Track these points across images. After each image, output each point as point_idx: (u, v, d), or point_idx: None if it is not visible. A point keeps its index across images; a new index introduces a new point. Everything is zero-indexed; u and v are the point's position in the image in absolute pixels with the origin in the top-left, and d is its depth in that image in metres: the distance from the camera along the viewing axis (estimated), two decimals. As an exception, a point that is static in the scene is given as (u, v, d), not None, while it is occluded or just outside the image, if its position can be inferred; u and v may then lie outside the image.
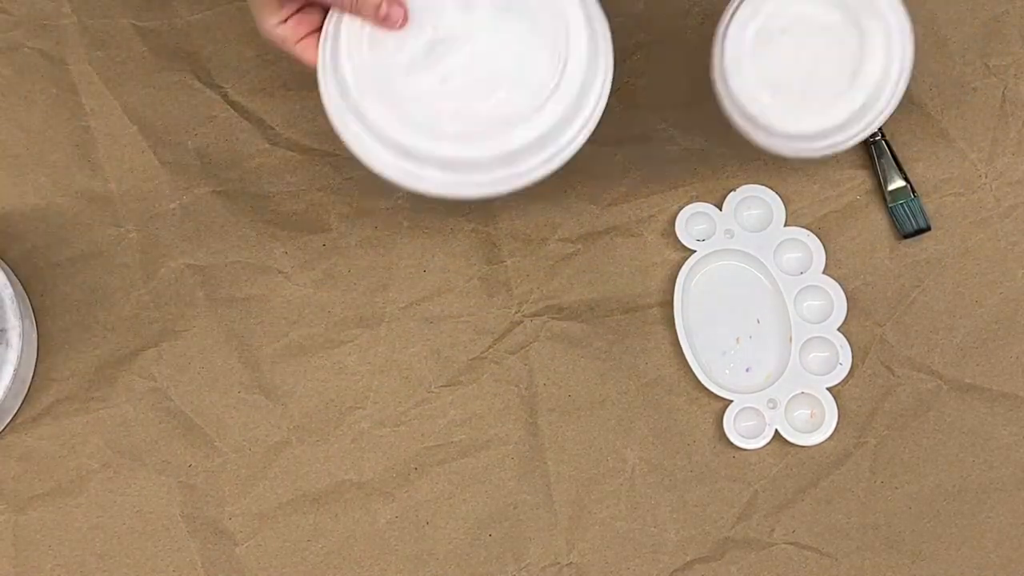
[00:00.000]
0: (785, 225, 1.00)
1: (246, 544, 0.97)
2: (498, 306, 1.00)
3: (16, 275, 0.98)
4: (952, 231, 1.00)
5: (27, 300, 0.98)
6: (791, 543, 0.98)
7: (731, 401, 0.98)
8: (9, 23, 1.01)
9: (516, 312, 1.00)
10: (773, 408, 0.98)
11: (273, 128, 1.01)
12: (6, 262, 0.98)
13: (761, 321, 0.99)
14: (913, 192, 1.00)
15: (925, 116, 1.01)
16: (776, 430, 0.97)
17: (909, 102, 1.01)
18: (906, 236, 1.00)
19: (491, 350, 0.99)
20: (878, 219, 1.01)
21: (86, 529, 0.97)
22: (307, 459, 0.98)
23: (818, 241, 0.99)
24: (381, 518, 0.98)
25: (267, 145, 1.01)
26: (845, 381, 0.98)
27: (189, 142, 1.01)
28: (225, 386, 0.99)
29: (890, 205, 1.00)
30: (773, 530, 0.98)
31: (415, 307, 1.00)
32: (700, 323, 0.99)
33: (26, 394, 0.98)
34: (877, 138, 1.00)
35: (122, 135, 1.01)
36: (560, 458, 0.99)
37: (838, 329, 0.99)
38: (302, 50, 0.83)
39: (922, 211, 1.00)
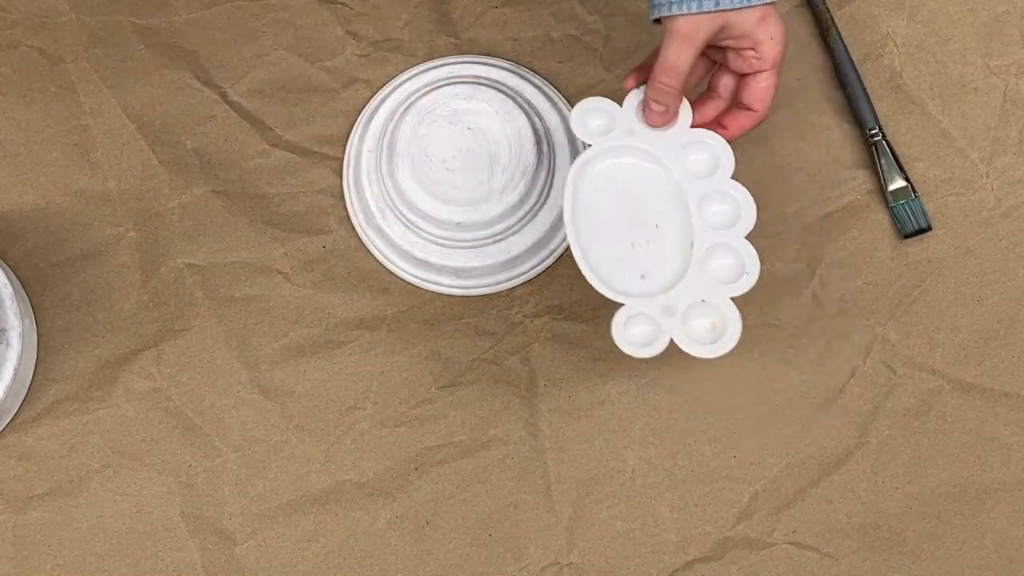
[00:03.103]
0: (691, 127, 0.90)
1: (246, 544, 0.97)
2: (498, 307, 0.99)
3: (16, 275, 0.98)
4: (953, 231, 1.00)
5: (27, 300, 0.98)
6: (791, 543, 0.98)
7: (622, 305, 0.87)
8: (7, 21, 1.01)
9: (516, 313, 1.00)
10: (670, 316, 0.87)
11: (273, 130, 1.01)
12: (6, 262, 0.98)
13: (660, 226, 0.90)
14: (914, 192, 1.00)
15: (926, 116, 1.01)
16: (672, 339, 0.87)
17: (909, 102, 1.01)
18: (907, 236, 1.00)
19: (491, 351, 0.99)
20: (879, 219, 1.00)
21: (86, 529, 0.97)
22: (307, 459, 0.98)
23: (726, 144, 0.90)
24: (381, 518, 0.98)
25: (266, 146, 1.01)
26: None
27: (188, 142, 1.01)
28: (225, 386, 0.99)
29: (891, 205, 1.00)
30: (773, 530, 0.98)
31: (416, 310, 0.99)
32: (592, 225, 0.89)
33: (26, 394, 0.98)
34: (878, 138, 1.00)
35: (121, 134, 1.01)
36: (560, 458, 0.98)
37: (745, 237, 0.89)
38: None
39: (923, 211, 1.00)
